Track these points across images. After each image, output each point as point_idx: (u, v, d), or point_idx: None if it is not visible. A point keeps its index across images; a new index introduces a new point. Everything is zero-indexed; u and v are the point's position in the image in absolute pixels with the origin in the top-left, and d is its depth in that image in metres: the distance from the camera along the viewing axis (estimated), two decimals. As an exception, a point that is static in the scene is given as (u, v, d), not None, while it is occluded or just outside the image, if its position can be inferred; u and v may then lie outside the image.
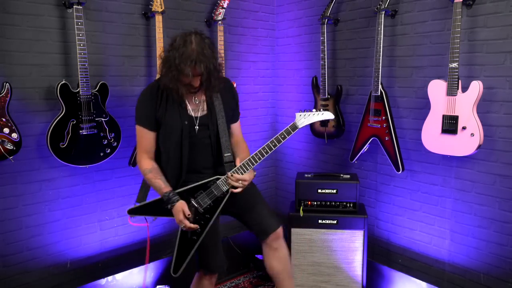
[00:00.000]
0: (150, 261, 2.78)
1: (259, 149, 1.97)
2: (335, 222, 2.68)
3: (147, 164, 2.00)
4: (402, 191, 2.81)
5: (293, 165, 3.56)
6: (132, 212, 2.11)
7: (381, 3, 2.55)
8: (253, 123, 3.50)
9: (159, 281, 2.81)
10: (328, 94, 2.98)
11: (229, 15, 3.16)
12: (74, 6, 2.30)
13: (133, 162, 2.70)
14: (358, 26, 2.93)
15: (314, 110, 1.98)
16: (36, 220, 2.49)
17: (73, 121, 2.38)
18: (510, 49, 2.23)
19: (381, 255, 2.96)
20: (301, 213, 2.70)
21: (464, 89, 2.25)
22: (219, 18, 2.96)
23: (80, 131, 2.40)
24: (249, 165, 1.97)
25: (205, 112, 2.01)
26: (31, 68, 2.37)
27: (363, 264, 2.67)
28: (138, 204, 2.12)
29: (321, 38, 2.95)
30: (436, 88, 2.35)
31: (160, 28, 2.61)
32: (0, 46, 2.26)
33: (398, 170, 2.62)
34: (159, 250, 2.93)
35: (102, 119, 2.48)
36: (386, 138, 2.63)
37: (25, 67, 2.35)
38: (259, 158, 1.96)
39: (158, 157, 2.04)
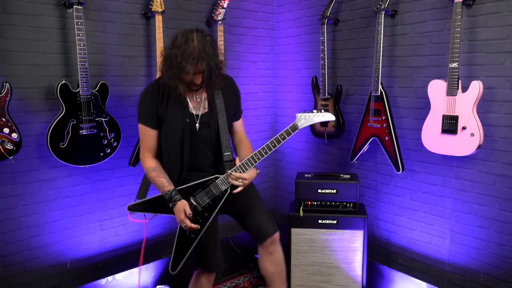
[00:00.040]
0: (150, 261, 2.79)
1: (258, 149, 1.97)
2: (335, 222, 2.68)
3: (150, 162, 2.01)
4: (402, 191, 2.81)
5: (293, 165, 3.56)
6: (132, 208, 2.12)
7: (381, 3, 2.55)
8: (253, 123, 3.51)
9: (159, 281, 2.81)
10: (328, 94, 2.98)
11: (229, 15, 3.16)
12: (74, 6, 2.30)
13: (133, 162, 2.71)
14: (358, 26, 2.93)
15: (315, 111, 1.98)
16: (36, 220, 2.49)
17: (73, 121, 2.38)
18: (510, 49, 2.23)
19: (381, 255, 2.96)
20: (301, 213, 2.70)
21: (464, 89, 2.25)
22: (219, 18, 2.97)
23: (80, 131, 2.40)
24: (248, 165, 1.97)
25: (206, 110, 2.02)
26: (31, 68, 2.37)
27: (363, 264, 2.67)
28: (138, 201, 2.13)
29: (321, 38, 2.95)
30: (436, 88, 2.35)
31: (160, 28, 2.61)
32: (0, 46, 2.26)
33: (398, 170, 2.62)
34: (159, 250, 2.94)
35: (102, 119, 2.48)
36: (386, 138, 2.63)
37: (25, 67, 2.35)
38: (259, 158, 1.97)
39: (160, 155, 2.05)
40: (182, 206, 1.92)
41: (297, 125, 1.96)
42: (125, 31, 2.69)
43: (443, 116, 2.33)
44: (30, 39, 2.35)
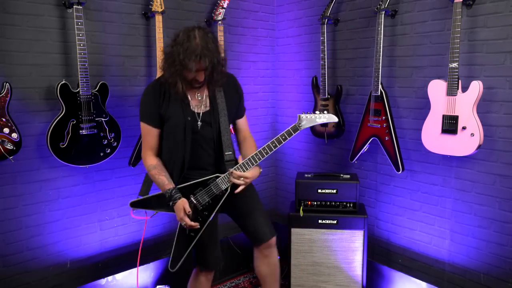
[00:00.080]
0: (150, 261, 2.79)
1: (259, 149, 1.97)
2: (335, 222, 2.68)
3: (151, 160, 2.01)
4: (402, 191, 2.81)
5: (293, 165, 3.56)
6: (134, 205, 2.13)
7: (381, 3, 2.55)
8: (253, 123, 3.50)
9: (159, 281, 2.81)
10: (328, 94, 2.98)
11: (229, 15, 3.16)
12: (74, 6, 2.30)
13: (133, 162, 2.71)
14: (358, 26, 2.93)
15: (317, 112, 1.97)
16: (36, 220, 2.49)
17: (73, 121, 2.38)
18: (510, 49, 2.23)
19: (381, 255, 2.96)
20: (301, 213, 2.70)
21: (464, 89, 2.25)
22: (219, 18, 2.97)
23: (80, 131, 2.40)
24: (249, 165, 1.97)
25: (207, 108, 2.02)
26: (31, 68, 2.37)
27: (363, 264, 2.67)
28: (141, 197, 2.14)
29: (321, 38, 2.95)
30: (436, 88, 2.35)
31: (160, 28, 2.61)
32: (0, 46, 2.26)
33: (398, 170, 2.62)
34: (159, 250, 2.94)
35: (102, 119, 2.48)
36: (386, 138, 2.63)
37: (25, 67, 2.35)
38: (259, 158, 1.97)
39: (161, 153, 2.05)
40: (182, 204, 1.93)
41: (299, 126, 1.96)
42: (125, 31, 2.69)
43: (443, 116, 2.33)
44: (30, 39, 2.35)
